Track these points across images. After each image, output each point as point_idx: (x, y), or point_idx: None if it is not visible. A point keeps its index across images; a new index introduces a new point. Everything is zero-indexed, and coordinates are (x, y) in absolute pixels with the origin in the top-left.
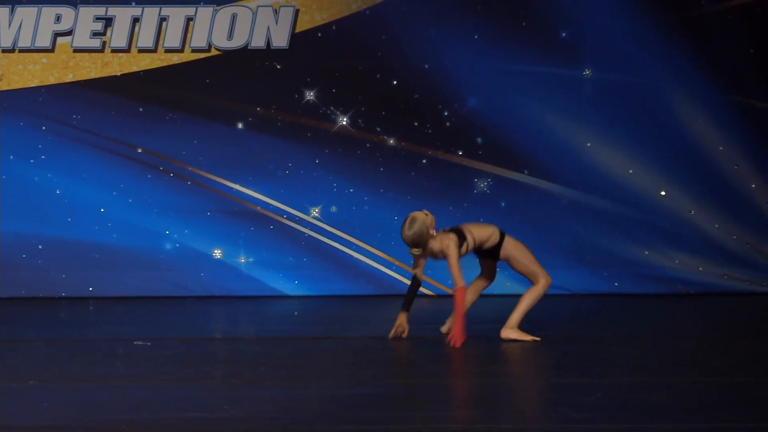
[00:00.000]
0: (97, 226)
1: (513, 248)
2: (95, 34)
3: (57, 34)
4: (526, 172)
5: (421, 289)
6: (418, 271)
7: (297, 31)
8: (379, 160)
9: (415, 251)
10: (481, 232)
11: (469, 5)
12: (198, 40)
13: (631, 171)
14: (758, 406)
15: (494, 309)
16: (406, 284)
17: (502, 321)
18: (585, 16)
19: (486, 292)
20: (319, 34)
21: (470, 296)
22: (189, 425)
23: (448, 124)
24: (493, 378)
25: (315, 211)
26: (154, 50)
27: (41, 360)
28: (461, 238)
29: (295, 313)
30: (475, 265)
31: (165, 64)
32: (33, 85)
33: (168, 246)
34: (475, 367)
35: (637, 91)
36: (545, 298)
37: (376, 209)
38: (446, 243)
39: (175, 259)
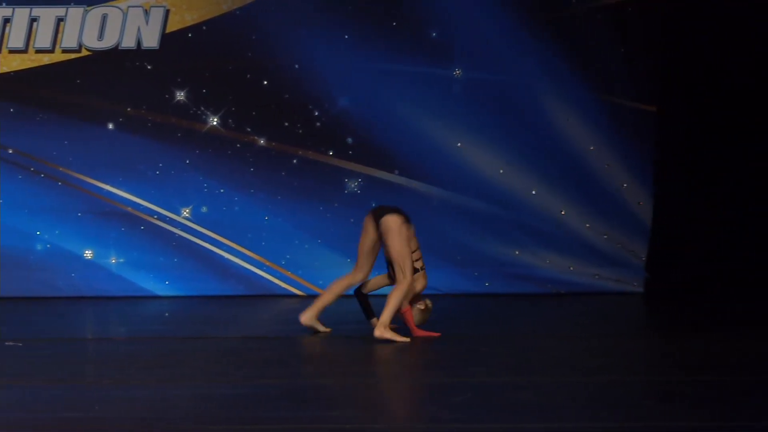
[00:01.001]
0: None
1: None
2: None
3: None
4: (396, 171)
5: (290, 289)
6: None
7: (167, 31)
8: (249, 161)
9: None
10: None
11: (340, 5)
12: (68, 40)
13: (501, 170)
14: (624, 405)
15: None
16: (277, 284)
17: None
18: (455, 15)
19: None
20: (190, 35)
21: (336, 290)
22: (62, 425)
23: (318, 124)
24: (365, 378)
25: (185, 212)
26: (24, 51)
27: None
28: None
29: (166, 314)
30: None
31: (36, 64)
32: None
33: (39, 247)
34: (346, 367)
35: (507, 90)
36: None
37: (247, 209)
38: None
39: (46, 259)
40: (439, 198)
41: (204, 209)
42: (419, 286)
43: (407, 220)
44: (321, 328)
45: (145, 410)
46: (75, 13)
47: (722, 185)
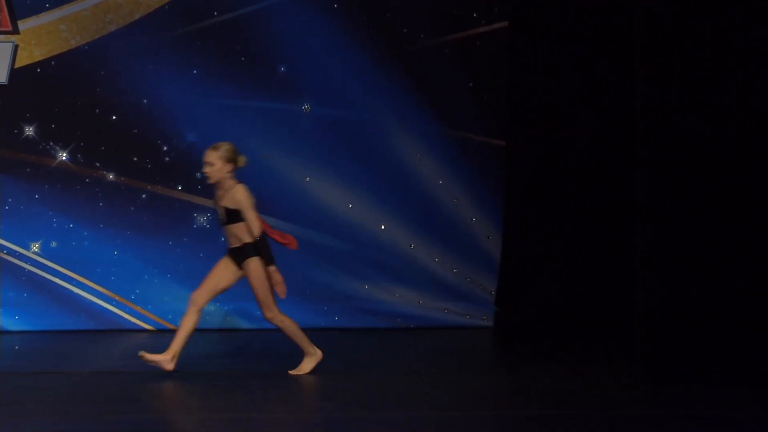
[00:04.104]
0: None
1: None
2: None
3: None
4: None
5: (140, 324)
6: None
7: (16, 66)
8: (98, 195)
9: (210, 158)
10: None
11: (188, 41)
12: None
13: (350, 205)
14: None
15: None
16: (127, 319)
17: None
18: (303, 50)
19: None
20: (38, 70)
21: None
22: None
23: (167, 158)
24: (215, 413)
25: (35, 247)
26: None
27: None
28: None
29: (16, 348)
30: None
31: None
32: None
33: None
34: (197, 402)
35: (355, 125)
36: (255, 333)
37: (96, 244)
38: (241, 190)
39: None
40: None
41: (53, 244)
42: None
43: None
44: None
45: None
46: None
47: (569, 219)
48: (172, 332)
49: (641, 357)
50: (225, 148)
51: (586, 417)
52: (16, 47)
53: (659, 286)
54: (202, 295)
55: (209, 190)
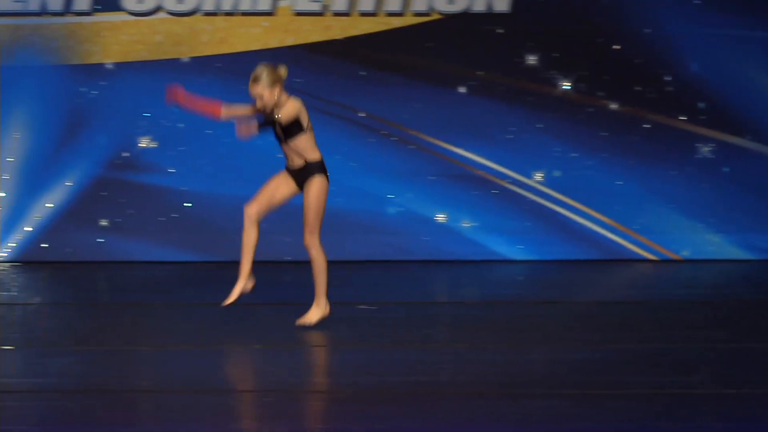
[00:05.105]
0: None
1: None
2: None
3: None
4: (748, 137)
5: (643, 254)
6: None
7: None
8: (601, 125)
9: (256, 91)
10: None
11: None
12: (419, 3)
13: None
14: None
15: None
16: (629, 249)
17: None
18: None
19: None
20: None
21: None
22: (411, 388)
23: (669, 89)
24: (715, 343)
25: (538, 176)
26: (374, 14)
27: (266, 323)
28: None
29: (519, 278)
30: None
31: (386, 27)
32: (254, 48)
33: (391, 210)
34: (697, 331)
35: None
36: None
37: (599, 174)
38: (292, 104)
39: (398, 223)
40: None
41: (556, 173)
42: None
43: None
44: None
45: (497, 374)
46: None
47: None
48: (676, 263)
49: None
50: (264, 74)
51: None
52: None
53: None
54: (253, 207)
55: (712, 120)
